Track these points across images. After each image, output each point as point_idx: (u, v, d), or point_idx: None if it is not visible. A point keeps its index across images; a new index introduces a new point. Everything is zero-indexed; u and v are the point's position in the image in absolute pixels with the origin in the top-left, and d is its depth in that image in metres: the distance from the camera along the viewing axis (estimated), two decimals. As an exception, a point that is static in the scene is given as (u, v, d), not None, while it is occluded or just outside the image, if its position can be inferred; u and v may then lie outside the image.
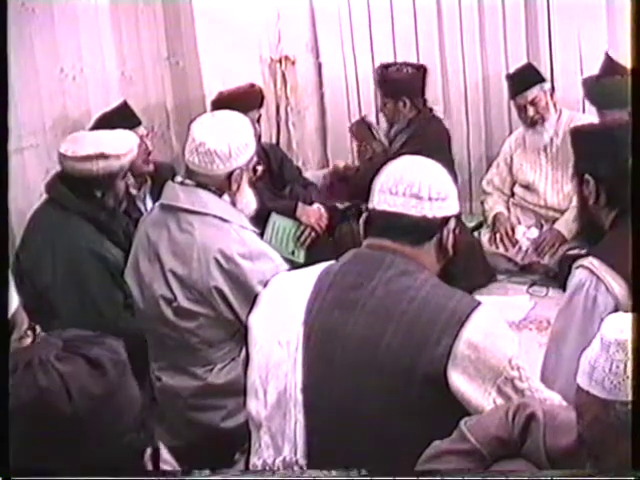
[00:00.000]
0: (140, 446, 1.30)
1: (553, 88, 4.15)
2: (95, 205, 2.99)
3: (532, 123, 4.01)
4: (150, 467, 1.31)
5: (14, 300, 1.73)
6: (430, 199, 1.90)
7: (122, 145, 2.99)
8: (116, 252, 2.98)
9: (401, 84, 4.14)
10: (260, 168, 2.85)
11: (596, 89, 3.87)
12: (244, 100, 3.74)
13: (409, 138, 4.12)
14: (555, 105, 4.03)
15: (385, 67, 4.29)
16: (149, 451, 1.31)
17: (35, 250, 2.97)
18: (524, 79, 4.01)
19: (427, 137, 4.13)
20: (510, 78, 4.12)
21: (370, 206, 1.96)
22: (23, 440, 1.22)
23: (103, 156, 2.92)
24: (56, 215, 2.99)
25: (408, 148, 3.95)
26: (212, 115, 2.82)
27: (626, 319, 1.44)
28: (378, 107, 4.30)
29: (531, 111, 3.98)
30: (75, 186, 2.98)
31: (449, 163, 4.10)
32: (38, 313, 2.96)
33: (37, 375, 1.21)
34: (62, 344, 1.26)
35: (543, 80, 4.01)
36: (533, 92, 3.96)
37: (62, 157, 2.98)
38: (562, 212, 4.00)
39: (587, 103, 4.23)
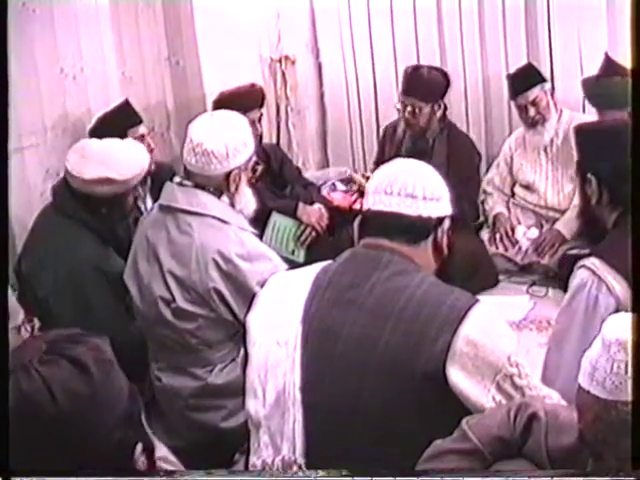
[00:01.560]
0: (129, 442, 1.29)
1: (553, 88, 4.15)
2: (100, 218, 2.96)
3: (533, 123, 4.01)
4: (143, 464, 1.31)
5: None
6: (424, 199, 1.92)
7: (128, 168, 2.91)
8: (119, 262, 2.94)
9: (436, 86, 4.03)
10: (259, 168, 2.84)
11: (596, 90, 3.87)
12: (245, 100, 3.74)
13: (452, 142, 4.07)
14: (556, 105, 4.02)
15: (415, 69, 4.11)
16: (139, 447, 1.31)
17: (37, 258, 2.94)
18: (525, 79, 3.99)
19: (466, 142, 4.19)
20: (511, 78, 4.10)
21: (365, 207, 1.98)
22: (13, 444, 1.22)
23: (109, 181, 2.88)
24: (60, 223, 2.95)
25: (455, 155, 4.00)
26: (210, 115, 2.82)
27: (627, 319, 1.44)
28: (407, 113, 4.00)
29: (532, 111, 3.97)
30: (81, 197, 2.94)
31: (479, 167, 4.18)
32: (38, 317, 2.95)
33: (20, 380, 1.22)
34: (45, 346, 1.26)
35: (544, 80, 4.00)
36: (534, 92, 3.95)
37: (68, 173, 2.93)
38: (562, 212, 3.99)
39: (587, 103, 4.24)
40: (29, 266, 2.95)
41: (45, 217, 3.04)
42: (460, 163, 4.01)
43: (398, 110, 4.09)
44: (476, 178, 4.18)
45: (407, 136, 4.11)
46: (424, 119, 4.01)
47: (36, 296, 2.90)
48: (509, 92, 4.13)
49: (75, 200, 2.94)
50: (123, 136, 3.31)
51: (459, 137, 4.18)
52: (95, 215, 2.95)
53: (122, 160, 2.92)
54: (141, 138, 3.47)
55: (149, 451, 1.34)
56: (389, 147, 4.21)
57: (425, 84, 4.01)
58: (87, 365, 1.24)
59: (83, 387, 1.23)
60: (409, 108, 4.00)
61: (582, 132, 2.34)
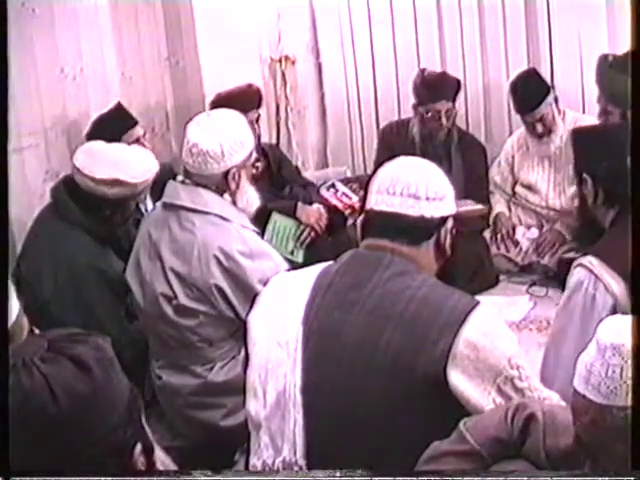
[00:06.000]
0: (129, 442, 1.29)
1: (556, 99, 4.04)
2: (100, 221, 2.94)
3: (540, 136, 3.98)
4: (142, 464, 1.31)
5: (14, 310, 1.72)
6: (427, 199, 1.90)
7: (139, 172, 2.91)
8: (118, 264, 2.94)
9: (455, 83, 4.05)
10: (260, 164, 2.84)
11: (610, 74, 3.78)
12: (242, 101, 3.71)
13: (463, 139, 4.10)
14: (560, 113, 3.97)
15: (434, 74, 4.06)
16: (139, 447, 1.30)
17: (36, 261, 2.93)
18: (531, 98, 3.89)
19: (475, 139, 4.25)
20: (517, 96, 3.97)
21: (367, 207, 1.96)
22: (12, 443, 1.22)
23: (118, 182, 2.87)
24: (58, 225, 2.94)
25: (470, 153, 4.04)
26: (208, 115, 2.81)
27: (622, 322, 1.43)
28: (444, 117, 3.94)
29: (539, 128, 3.92)
30: (83, 199, 2.91)
31: None
32: (38, 321, 2.95)
33: (21, 377, 1.22)
34: (47, 345, 1.27)
35: (548, 93, 3.91)
36: (540, 111, 3.89)
37: (77, 171, 2.91)
38: (563, 213, 3.99)
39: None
40: (28, 269, 2.93)
41: (44, 220, 3.02)
42: (474, 159, 4.07)
43: (425, 120, 3.98)
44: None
45: (437, 141, 4.02)
46: (453, 119, 4.02)
47: (36, 301, 2.89)
48: (515, 108, 4.04)
49: (75, 203, 2.92)
50: (119, 139, 3.30)
51: (466, 134, 4.24)
52: (96, 218, 2.93)
53: (133, 164, 2.92)
54: (137, 141, 3.46)
55: (148, 451, 1.34)
56: (399, 148, 3.95)
57: (449, 84, 4.01)
58: (88, 364, 1.24)
59: (84, 386, 1.23)
60: (443, 112, 3.94)
61: (577, 135, 2.37)
